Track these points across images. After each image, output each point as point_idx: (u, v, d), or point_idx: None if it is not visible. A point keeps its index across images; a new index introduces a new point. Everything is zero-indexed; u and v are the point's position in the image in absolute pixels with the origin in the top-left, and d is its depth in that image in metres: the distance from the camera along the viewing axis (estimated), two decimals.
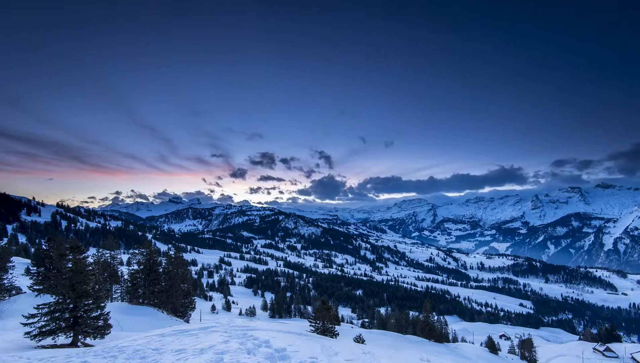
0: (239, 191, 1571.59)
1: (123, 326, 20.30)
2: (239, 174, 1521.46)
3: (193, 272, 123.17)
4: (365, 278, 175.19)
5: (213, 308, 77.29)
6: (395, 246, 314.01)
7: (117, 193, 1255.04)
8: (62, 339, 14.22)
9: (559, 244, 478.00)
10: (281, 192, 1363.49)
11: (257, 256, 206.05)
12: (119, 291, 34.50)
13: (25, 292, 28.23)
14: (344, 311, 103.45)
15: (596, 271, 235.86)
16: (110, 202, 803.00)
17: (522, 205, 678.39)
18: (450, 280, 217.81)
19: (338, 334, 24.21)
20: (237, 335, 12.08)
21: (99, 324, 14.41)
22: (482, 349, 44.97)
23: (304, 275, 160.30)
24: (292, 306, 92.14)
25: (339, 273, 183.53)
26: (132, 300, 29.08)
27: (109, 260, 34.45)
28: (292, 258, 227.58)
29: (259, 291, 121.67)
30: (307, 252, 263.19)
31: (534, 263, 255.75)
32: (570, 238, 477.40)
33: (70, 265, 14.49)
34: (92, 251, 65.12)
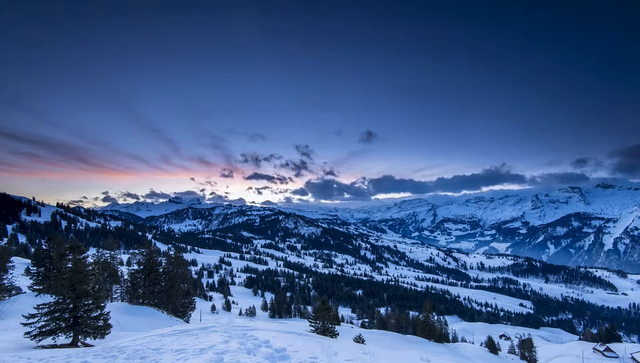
0: (235, 191, 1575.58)
1: (123, 326, 20.28)
2: (236, 173, 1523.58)
3: (193, 272, 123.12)
4: (365, 278, 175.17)
5: (213, 308, 77.37)
6: (395, 246, 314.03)
7: (105, 192, 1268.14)
8: (62, 339, 14.20)
9: (559, 244, 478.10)
10: (281, 192, 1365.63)
11: (257, 256, 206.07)
12: (119, 291, 34.43)
13: (25, 292, 28.23)
14: (344, 312, 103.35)
15: (596, 271, 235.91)
16: (104, 203, 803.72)
17: (522, 205, 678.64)
18: (450, 280, 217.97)
19: (338, 334, 24.18)
20: (237, 335, 12.05)
21: (99, 324, 14.40)
22: (482, 349, 45.00)
23: (304, 275, 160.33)
24: (292, 306, 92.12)
25: (339, 273, 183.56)
26: (132, 300, 29.08)
27: (109, 260, 34.40)
28: (292, 258, 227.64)
29: (259, 291, 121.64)
30: (307, 252, 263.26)
31: (534, 263, 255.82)
32: (570, 238, 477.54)
33: (70, 265, 14.48)
34: (92, 251, 64.98)
